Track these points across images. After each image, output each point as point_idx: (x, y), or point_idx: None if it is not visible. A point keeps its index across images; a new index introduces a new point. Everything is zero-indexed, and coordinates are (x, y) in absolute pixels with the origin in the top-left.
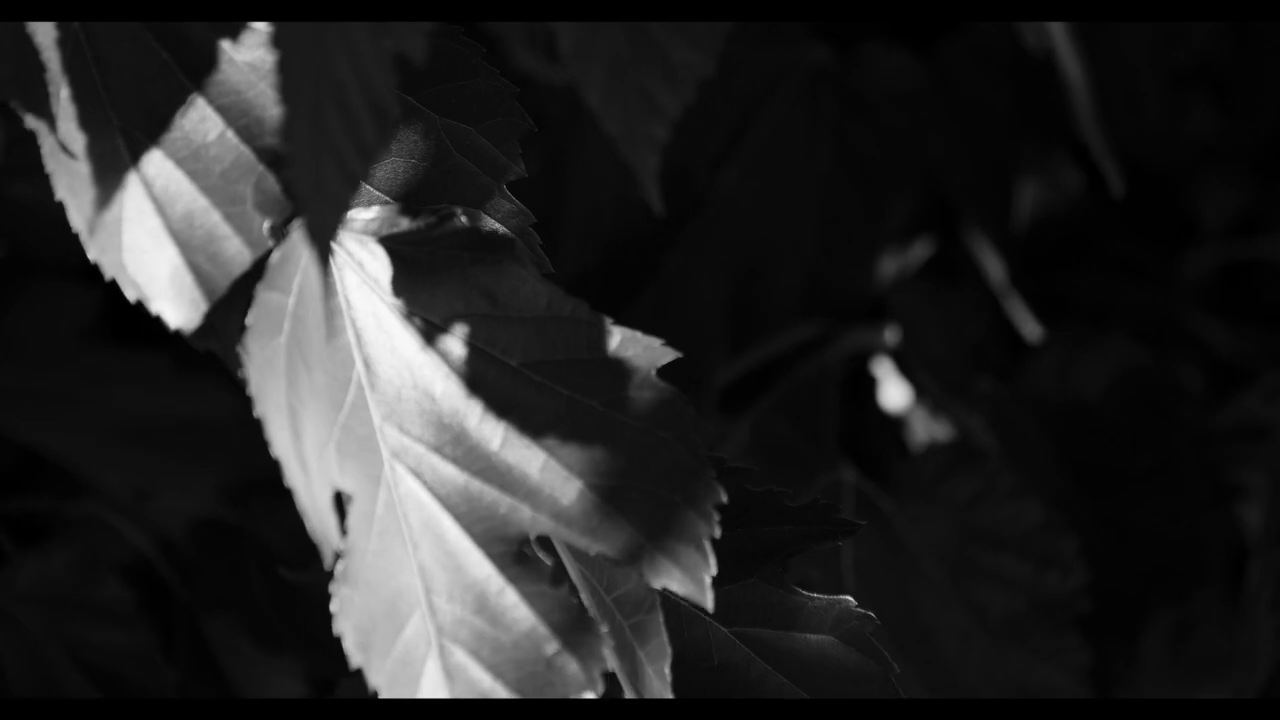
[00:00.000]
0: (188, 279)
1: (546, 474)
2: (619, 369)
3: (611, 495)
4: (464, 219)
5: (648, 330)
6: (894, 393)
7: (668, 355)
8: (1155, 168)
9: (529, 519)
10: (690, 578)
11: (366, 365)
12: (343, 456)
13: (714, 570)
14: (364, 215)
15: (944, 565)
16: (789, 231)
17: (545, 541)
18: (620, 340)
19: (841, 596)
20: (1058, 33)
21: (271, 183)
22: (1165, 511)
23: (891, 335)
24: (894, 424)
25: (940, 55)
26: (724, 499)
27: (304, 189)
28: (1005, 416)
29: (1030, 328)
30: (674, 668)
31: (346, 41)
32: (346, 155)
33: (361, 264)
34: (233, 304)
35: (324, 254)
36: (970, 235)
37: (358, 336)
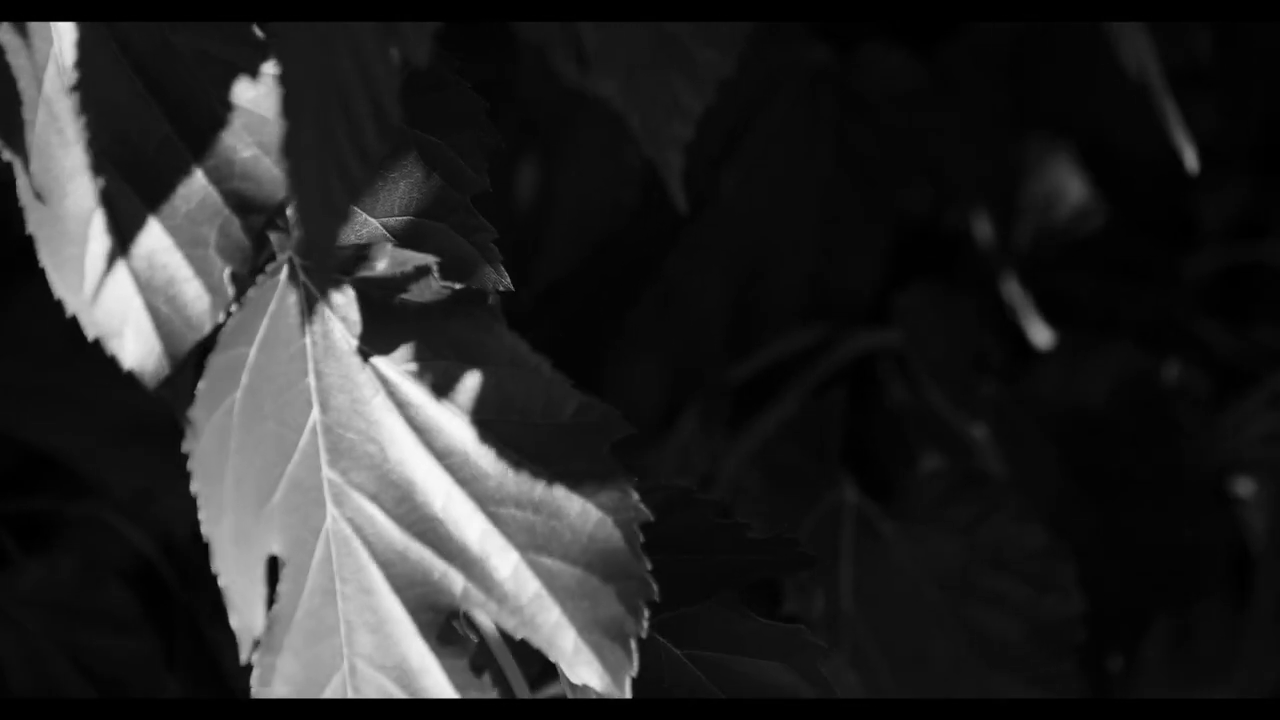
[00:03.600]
0: (146, 321)
1: (486, 542)
2: (573, 438)
3: (546, 575)
4: (438, 273)
5: (650, 332)
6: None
7: (623, 429)
8: (1154, 169)
9: (461, 590)
10: (612, 677)
11: (323, 410)
12: (285, 511)
13: (635, 672)
14: (339, 253)
15: (943, 588)
16: (790, 233)
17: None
18: (578, 406)
19: (795, 625)
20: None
21: (236, 228)
22: (1167, 519)
23: (896, 337)
24: (900, 426)
25: (941, 55)
26: (656, 597)
27: (305, 196)
28: (1009, 422)
29: (1035, 329)
30: None
31: (351, 44)
32: (349, 161)
33: (331, 303)
34: (188, 351)
35: (322, 268)
36: (972, 237)
37: (318, 380)
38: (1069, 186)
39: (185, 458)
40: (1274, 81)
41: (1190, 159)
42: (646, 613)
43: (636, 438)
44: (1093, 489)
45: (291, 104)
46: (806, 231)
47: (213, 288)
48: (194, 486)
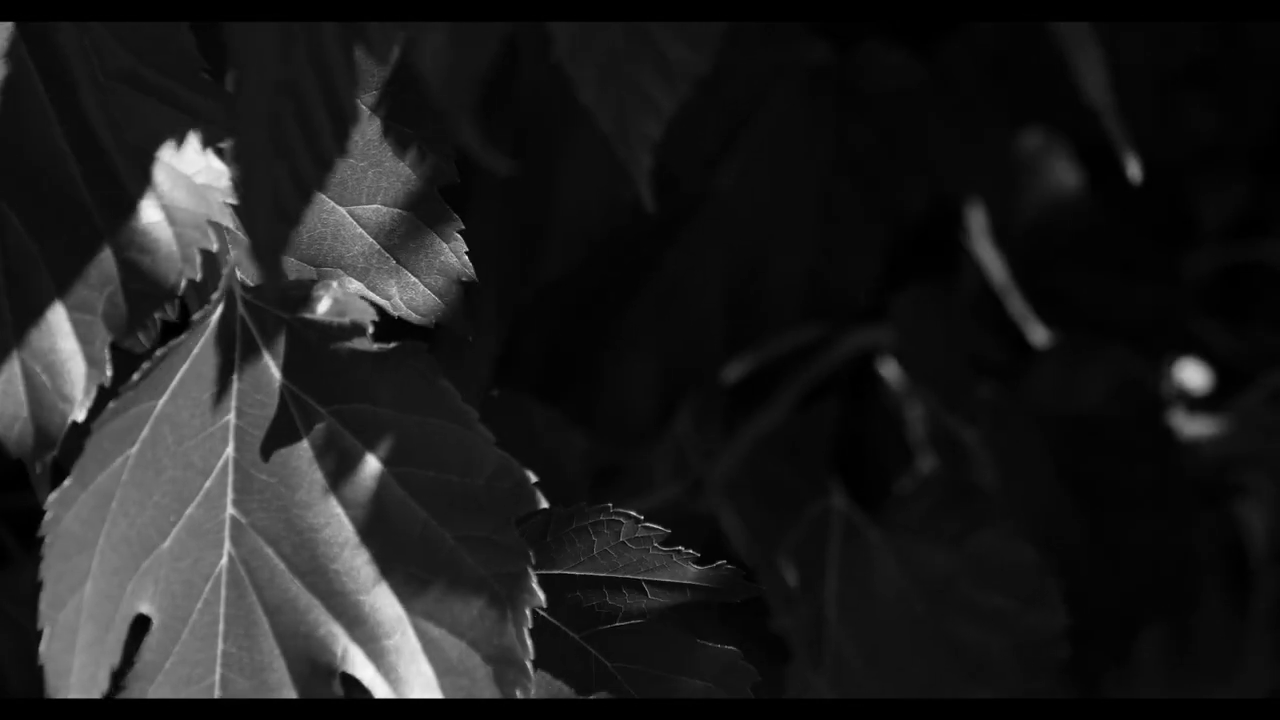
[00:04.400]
0: (19, 384)
1: (377, 600)
2: (484, 503)
3: (429, 643)
4: (370, 320)
5: (648, 330)
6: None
7: (535, 503)
8: (1154, 168)
9: (341, 650)
10: None
11: (238, 448)
12: (172, 558)
13: None
14: (278, 289)
15: (929, 600)
16: (788, 231)
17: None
18: (496, 469)
19: (728, 648)
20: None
21: (120, 304)
22: (1160, 527)
23: (892, 337)
24: (898, 424)
25: (940, 54)
26: (533, 691)
27: (253, 200)
28: (1003, 426)
29: (1032, 328)
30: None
31: (311, 45)
32: (303, 165)
33: (265, 337)
34: (56, 424)
35: (271, 277)
36: (970, 235)
37: (239, 415)
38: (1067, 185)
39: None
40: (1274, 81)
41: (1134, 170)
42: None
43: (632, 434)
44: (1086, 495)
45: (244, 107)
46: (804, 230)
47: (91, 358)
48: (43, 567)
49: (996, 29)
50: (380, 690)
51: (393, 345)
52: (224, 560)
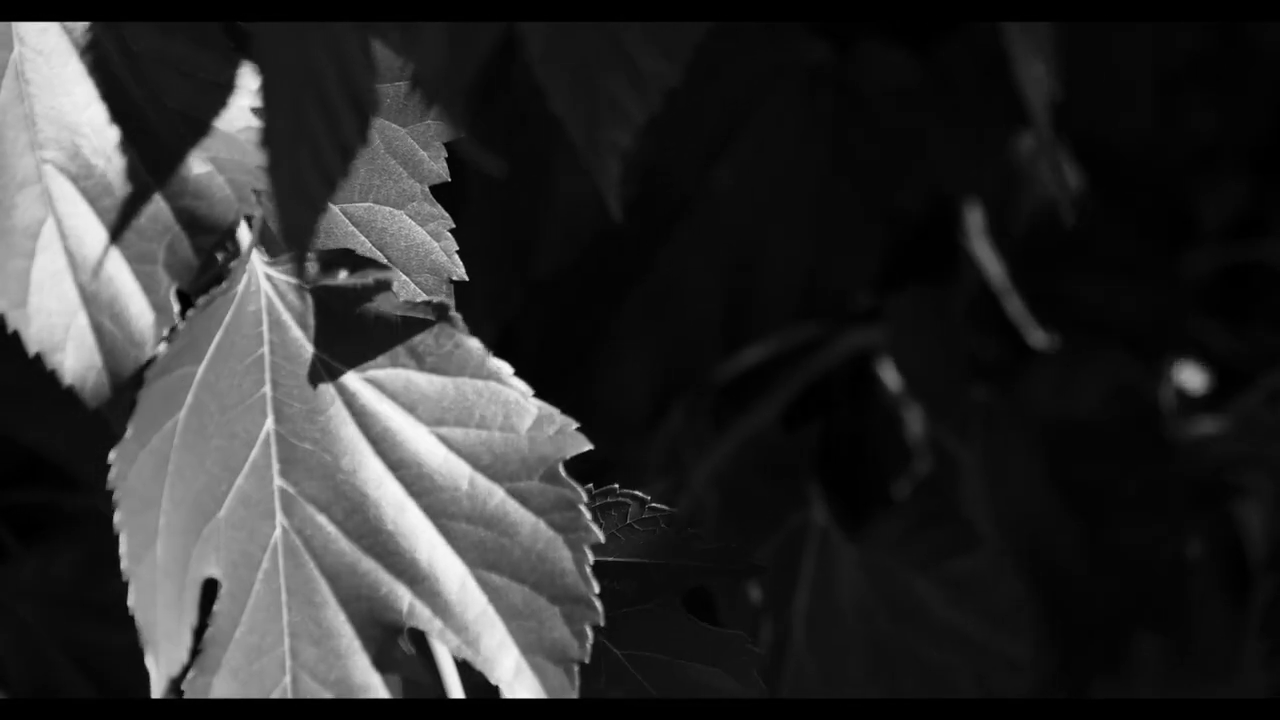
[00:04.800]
0: (89, 336)
1: (435, 556)
2: (528, 453)
3: (494, 592)
4: (397, 287)
5: (643, 327)
6: None
7: (580, 445)
8: (1153, 168)
9: (407, 606)
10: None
11: (278, 419)
12: (230, 528)
13: (575, 696)
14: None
15: (896, 619)
16: (785, 231)
17: (418, 633)
18: (536, 418)
19: (735, 631)
20: (1014, 32)
21: (185, 246)
22: (1152, 538)
23: (888, 337)
24: (896, 423)
25: (938, 54)
26: (601, 621)
27: (281, 187)
28: (997, 430)
29: (1030, 329)
30: None
31: (329, 39)
32: (325, 154)
33: (292, 310)
34: (131, 366)
35: (300, 262)
36: (968, 235)
37: (274, 388)
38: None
39: None
40: (1274, 81)
41: (1066, 213)
42: (590, 637)
43: (626, 427)
44: (1079, 500)
45: (269, 96)
46: (801, 229)
47: (158, 305)
48: (118, 519)
49: (995, 29)
50: (451, 642)
51: (419, 302)
52: (277, 532)
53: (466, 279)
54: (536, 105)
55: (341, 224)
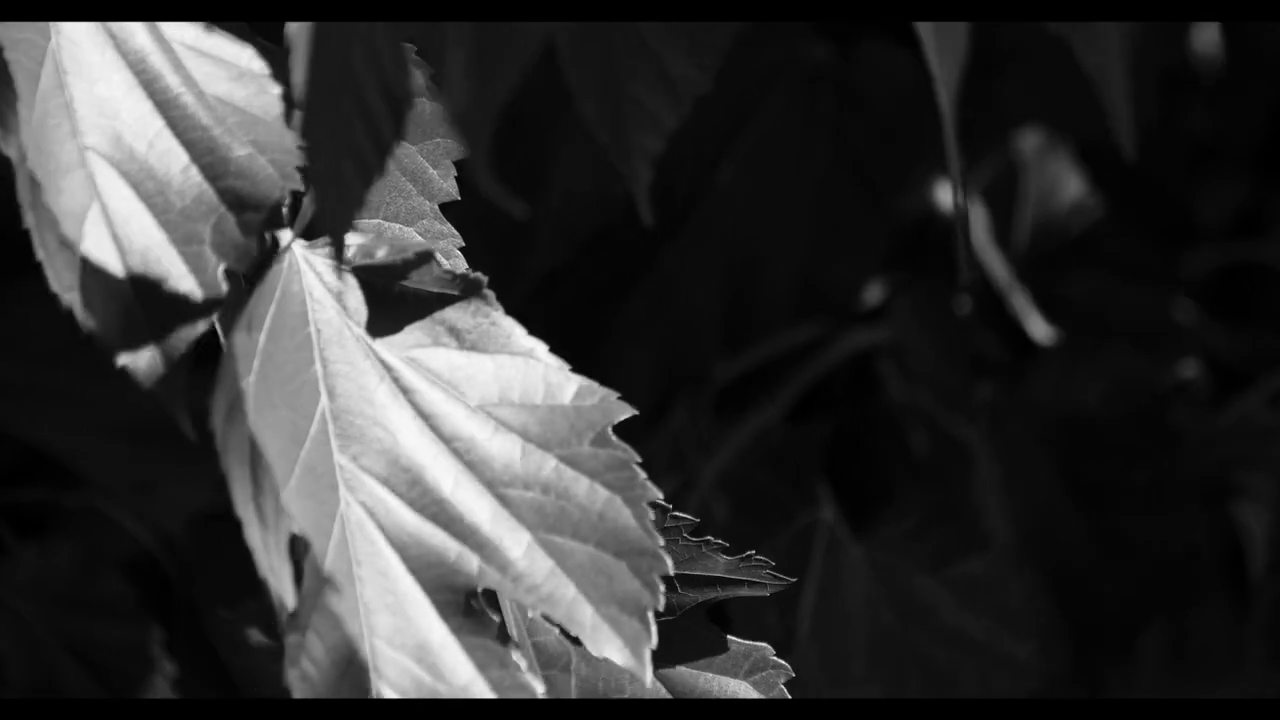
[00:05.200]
0: (139, 316)
1: (497, 524)
2: (575, 421)
3: (559, 553)
4: (441, 259)
5: (645, 325)
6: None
7: (624, 411)
8: (1152, 169)
9: (476, 570)
10: (631, 650)
11: (331, 397)
12: (301, 496)
13: (654, 643)
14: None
15: (903, 619)
16: (786, 230)
17: (490, 594)
18: (578, 389)
19: (760, 644)
20: (927, 32)
21: (231, 225)
22: (1161, 525)
23: (891, 336)
24: (897, 425)
25: None
26: (670, 570)
27: (322, 183)
28: (1003, 425)
29: (1034, 326)
30: (587, 696)
31: (363, 38)
32: (364, 150)
33: (333, 291)
34: (184, 350)
35: (338, 251)
36: (971, 235)
37: (324, 367)
38: (1067, 185)
39: (180, 453)
40: (1274, 81)
41: (965, 268)
42: (662, 587)
43: (633, 422)
44: (1087, 494)
45: (309, 94)
46: (802, 228)
47: (207, 285)
48: (223, 464)
49: (997, 28)
50: (526, 599)
51: (458, 274)
52: (342, 505)
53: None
54: (531, 104)
55: (379, 228)
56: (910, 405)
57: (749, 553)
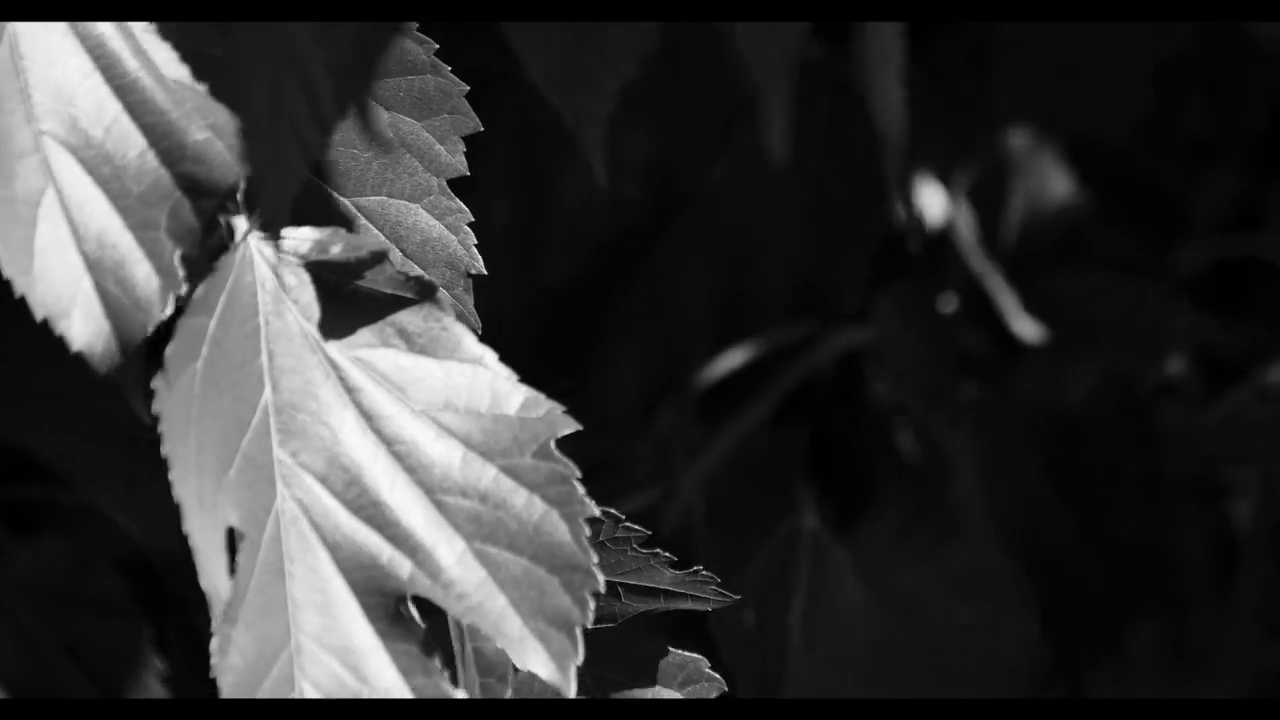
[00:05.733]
0: (95, 302)
1: (431, 530)
2: (518, 432)
3: (492, 564)
4: (394, 263)
5: (636, 324)
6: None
7: (569, 425)
8: (1146, 163)
9: (408, 575)
10: (557, 665)
11: (274, 390)
12: (240, 486)
13: (580, 660)
14: (295, 235)
15: (897, 618)
16: (778, 229)
17: (421, 600)
18: (524, 401)
19: (695, 655)
20: (876, 43)
21: (187, 211)
22: (1147, 522)
23: (878, 334)
24: (884, 424)
25: (931, 50)
26: (601, 588)
27: (260, 162)
28: (989, 424)
29: (1022, 324)
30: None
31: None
32: (304, 128)
33: (284, 285)
34: (138, 334)
35: (274, 230)
36: (960, 231)
37: (270, 360)
38: (1056, 183)
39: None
40: (1268, 75)
41: (915, 244)
42: (592, 604)
43: (616, 427)
44: (1073, 491)
45: (245, 70)
46: (794, 227)
47: (163, 270)
48: (164, 448)
49: (988, 26)
50: (454, 608)
51: (410, 277)
52: (278, 500)
53: (485, 273)
54: (543, 105)
55: (353, 216)
56: (895, 404)
57: (696, 568)
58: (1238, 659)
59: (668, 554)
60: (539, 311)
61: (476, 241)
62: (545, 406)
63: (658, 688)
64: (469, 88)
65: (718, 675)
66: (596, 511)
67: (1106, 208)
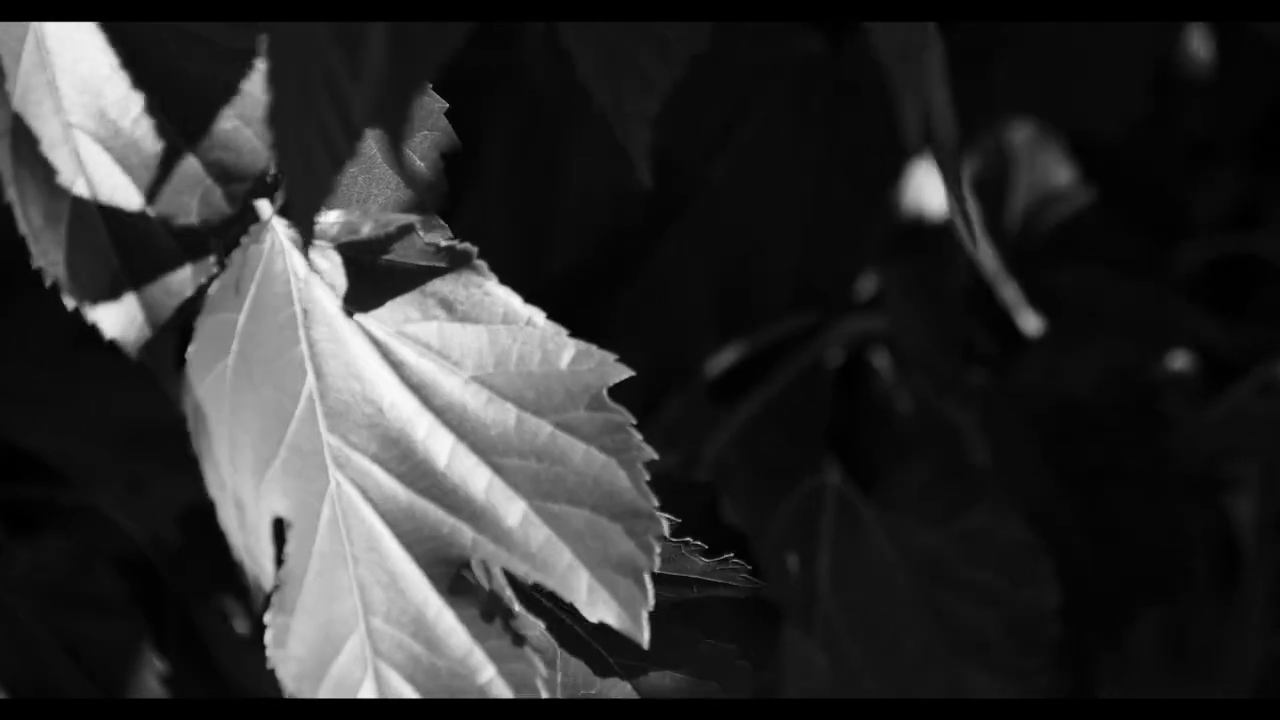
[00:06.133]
0: (127, 289)
1: (491, 494)
2: (571, 386)
3: (554, 520)
4: (423, 232)
5: (638, 318)
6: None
7: (621, 372)
8: (1146, 161)
9: (470, 541)
10: (628, 612)
11: (318, 376)
12: (287, 475)
13: (651, 604)
14: (323, 219)
15: (920, 576)
16: (781, 221)
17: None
18: (574, 354)
19: (727, 645)
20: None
21: (218, 196)
22: (1151, 512)
23: (884, 323)
24: (889, 414)
25: None
26: (666, 532)
27: (290, 167)
28: (994, 412)
29: (1025, 318)
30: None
31: (335, 28)
32: (333, 131)
33: (318, 270)
34: (170, 318)
35: (307, 237)
36: (962, 224)
37: (310, 346)
38: (1058, 177)
39: (170, 452)
40: (1267, 73)
41: (969, 245)
42: (657, 548)
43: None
44: (1077, 480)
45: (277, 75)
46: (797, 220)
47: (194, 255)
48: (196, 446)
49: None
50: (519, 569)
51: (442, 245)
52: (332, 485)
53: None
54: (549, 100)
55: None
56: (904, 392)
57: (727, 555)
58: (1239, 658)
59: (697, 543)
60: (552, 305)
61: (476, 241)
62: (596, 357)
63: (694, 679)
64: (447, 105)
65: (749, 665)
66: (654, 454)
67: (1108, 205)
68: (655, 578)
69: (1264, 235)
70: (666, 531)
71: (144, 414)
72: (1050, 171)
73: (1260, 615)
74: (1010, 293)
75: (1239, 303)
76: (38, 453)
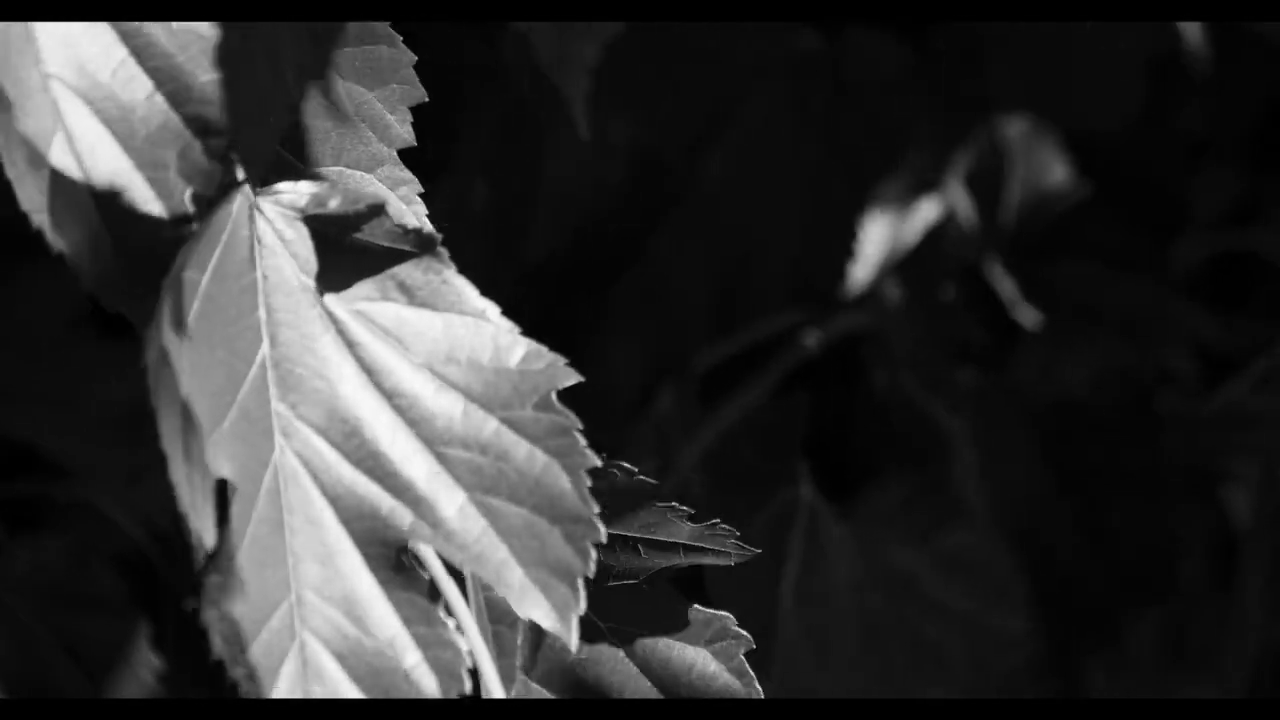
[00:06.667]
0: (106, 240)
1: (432, 482)
2: (519, 384)
3: (492, 514)
4: (393, 215)
5: (632, 313)
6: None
7: (570, 377)
8: (1145, 158)
9: (409, 525)
10: (558, 614)
11: (272, 344)
12: (234, 439)
13: (582, 610)
14: (293, 189)
15: (888, 594)
16: (775, 217)
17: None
18: (525, 353)
19: (721, 613)
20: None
21: (197, 152)
22: (1146, 512)
23: (876, 321)
24: (881, 410)
25: (928, 41)
26: (603, 539)
27: (239, 111)
28: (988, 411)
29: (1021, 314)
30: (539, 655)
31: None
32: (285, 72)
33: (283, 239)
34: (148, 271)
35: (254, 180)
36: (958, 222)
37: (269, 314)
38: (1054, 172)
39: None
40: (1266, 70)
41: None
42: (594, 554)
43: (612, 414)
44: (1071, 480)
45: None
46: (792, 216)
47: (173, 210)
48: (153, 400)
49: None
50: (456, 557)
51: (409, 229)
52: (277, 452)
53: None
54: (530, 92)
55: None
56: (893, 390)
57: (714, 521)
58: (1238, 657)
59: (684, 508)
60: (532, 294)
61: (428, 211)
62: (547, 359)
63: (683, 645)
64: (416, 58)
65: (745, 633)
66: (598, 462)
67: (1107, 203)
68: (644, 543)
69: (1263, 232)
70: (603, 538)
71: (141, 404)
72: (1046, 167)
73: (1259, 612)
74: (1006, 288)
75: (1238, 300)
76: (34, 446)
